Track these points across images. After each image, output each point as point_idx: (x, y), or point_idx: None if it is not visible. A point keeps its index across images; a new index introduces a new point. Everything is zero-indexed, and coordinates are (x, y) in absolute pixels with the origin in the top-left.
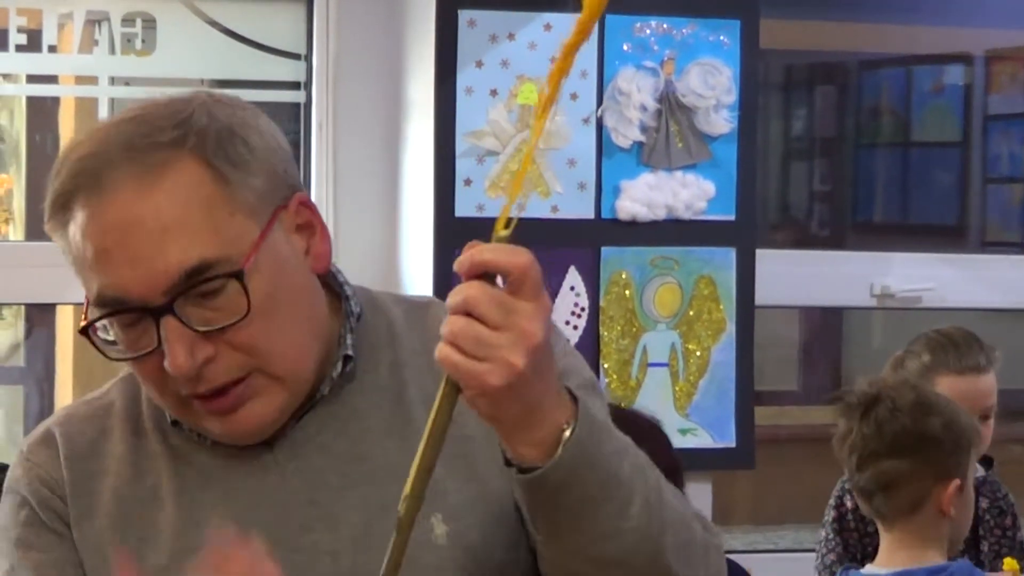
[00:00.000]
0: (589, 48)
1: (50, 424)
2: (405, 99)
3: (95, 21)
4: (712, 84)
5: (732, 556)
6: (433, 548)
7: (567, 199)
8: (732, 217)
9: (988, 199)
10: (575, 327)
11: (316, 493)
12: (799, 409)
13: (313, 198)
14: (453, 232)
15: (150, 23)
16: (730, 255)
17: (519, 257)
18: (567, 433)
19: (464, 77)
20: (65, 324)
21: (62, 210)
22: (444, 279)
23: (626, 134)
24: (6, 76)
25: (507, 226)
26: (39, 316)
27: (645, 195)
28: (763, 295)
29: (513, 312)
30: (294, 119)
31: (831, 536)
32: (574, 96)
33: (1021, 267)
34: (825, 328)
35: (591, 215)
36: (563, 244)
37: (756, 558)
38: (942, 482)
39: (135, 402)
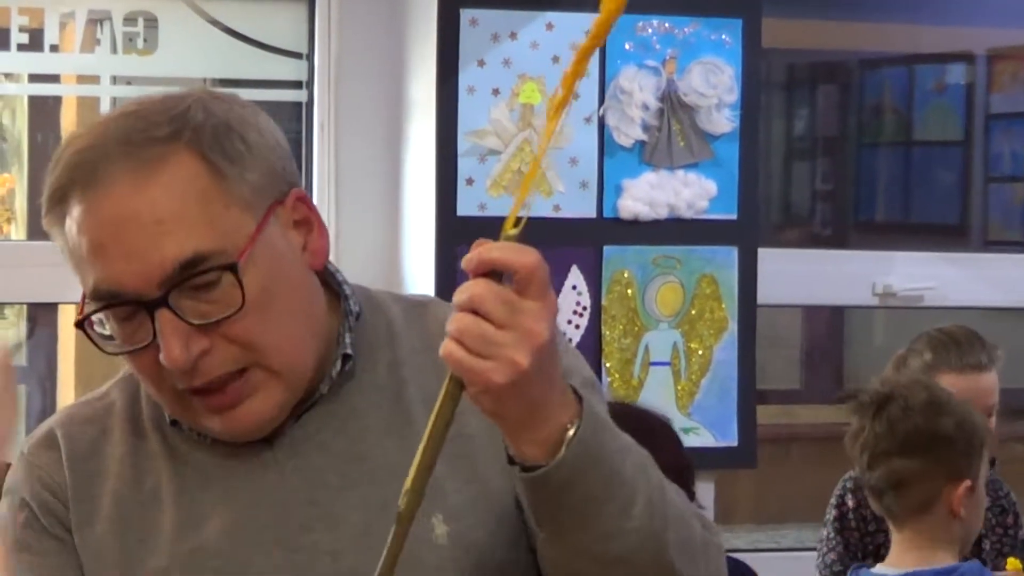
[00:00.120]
0: None
1: (52, 425)
2: (407, 98)
3: (97, 20)
4: (714, 83)
5: (735, 555)
6: (434, 548)
7: (569, 198)
8: (734, 216)
9: (990, 198)
10: (577, 326)
11: (316, 492)
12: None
13: (315, 197)
14: (455, 231)
15: (152, 22)
16: (732, 254)
17: (527, 256)
18: (571, 432)
19: (466, 76)
20: (67, 324)
21: (59, 204)
22: (446, 278)
23: (628, 133)
24: (8, 75)
25: (516, 225)
26: (41, 315)
27: (647, 194)
28: (765, 294)
29: (519, 311)
30: (296, 118)
31: (832, 535)
32: (576, 95)
33: (1023, 266)
34: (827, 327)
35: (593, 214)
36: (565, 243)
37: (758, 557)
38: (953, 482)
39: (135, 402)
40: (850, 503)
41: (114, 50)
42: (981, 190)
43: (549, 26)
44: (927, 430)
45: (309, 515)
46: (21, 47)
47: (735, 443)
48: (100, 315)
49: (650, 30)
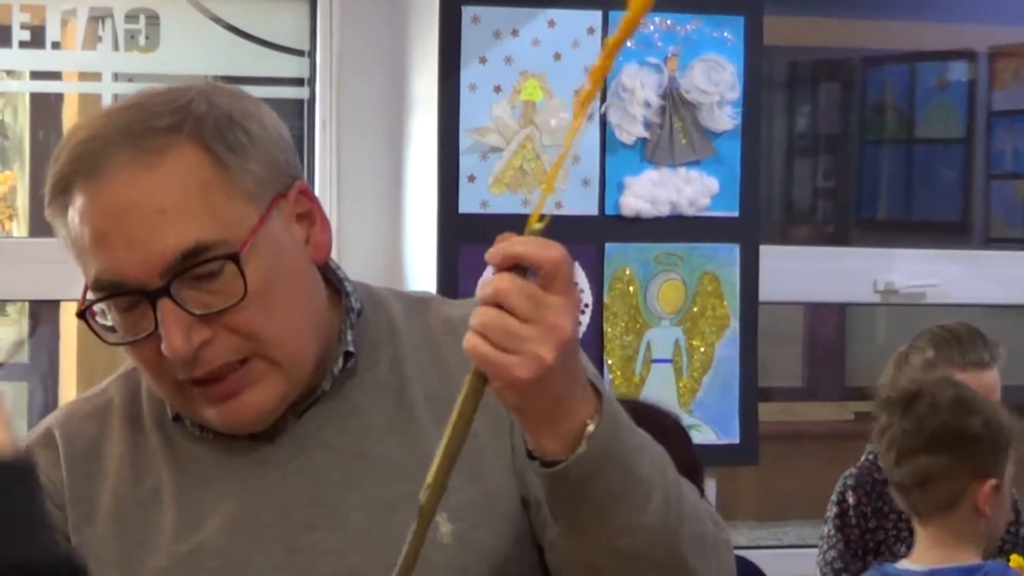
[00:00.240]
0: (593, 44)
1: (50, 423)
2: (409, 95)
3: (98, 17)
4: (716, 80)
5: (738, 552)
6: (439, 547)
7: (571, 195)
8: (736, 213)
9: (992, 195)
10: (579, 323)
11: (318, 491)
12: (803, 405)
13: (317, 194)
14: (456, 229)
15: (153, 19)
16: (734, 251)
17: (552, 251)
18: (591, 427)
19: (468, 73)
20: (69, 321)
21: (61, 194)
22: (447, 275)
23: (630, 130)
24: (9, 72)
25: (540, 220)
26: (43, 312)
27: (649, 191)
28: (767, 291)
29: (543, 306)
30: (298, 115)
31: (833, 532)
32: (577, 93)
33: None
34: (829, 325)
35: (595, 211)
36: (567, 240)
37: (760, 554)
38: (979, 480)
39: (134, 399)
40: (851, 500)
41: (116, 47)
42: (983, 187)
43: (551, 23)
44: (954, 428)
45: (311, 514)
46: (23, 44)
47: (737, 440)
48: (102, 305)
49: (652, 27)
